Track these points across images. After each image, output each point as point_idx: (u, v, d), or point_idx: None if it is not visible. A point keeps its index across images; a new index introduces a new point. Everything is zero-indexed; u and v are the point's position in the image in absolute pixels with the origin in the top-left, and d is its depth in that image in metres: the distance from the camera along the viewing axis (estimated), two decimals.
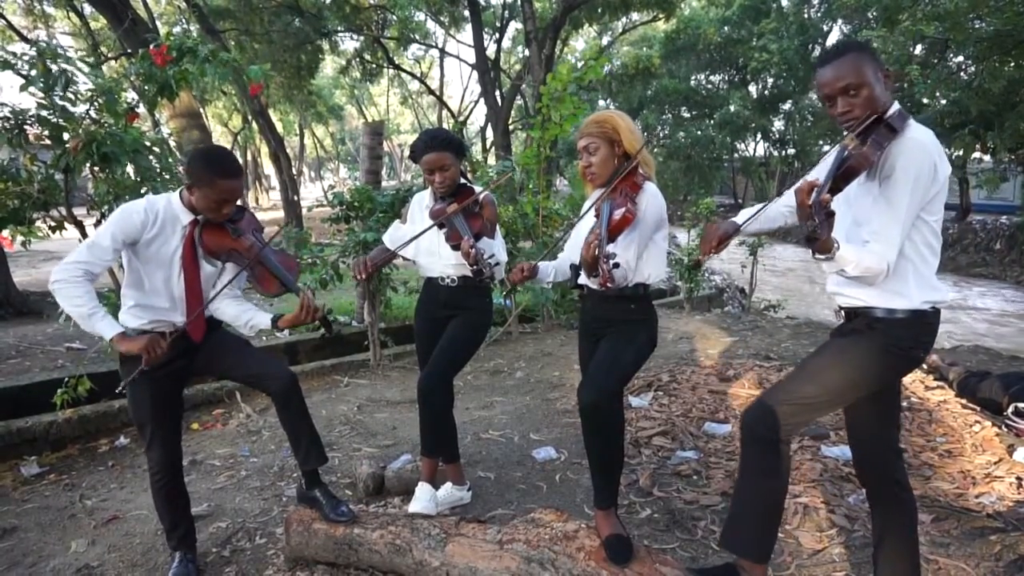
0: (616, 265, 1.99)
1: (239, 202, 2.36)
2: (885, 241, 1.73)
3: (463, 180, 2.78)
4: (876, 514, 2.02)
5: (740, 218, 2.13)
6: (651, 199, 2.23)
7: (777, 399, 1.92)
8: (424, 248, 2.75)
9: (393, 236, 2.93)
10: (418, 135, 2.75)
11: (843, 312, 1.97)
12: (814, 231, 1.58)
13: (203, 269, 2.35)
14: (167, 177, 4.07)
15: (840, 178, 1.70)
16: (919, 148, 1.71)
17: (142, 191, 3.80)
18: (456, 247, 2.55)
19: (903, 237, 1.74)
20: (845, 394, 1.91)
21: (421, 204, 2.89)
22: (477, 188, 2.75)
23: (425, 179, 2.75)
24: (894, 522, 1.96)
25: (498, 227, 2.87)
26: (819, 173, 1.85)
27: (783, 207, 2.20)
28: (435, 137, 2.65)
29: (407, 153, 2.81)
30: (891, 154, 1.73)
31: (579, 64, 24.68)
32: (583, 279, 2.35)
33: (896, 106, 1.76)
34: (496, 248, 2.69)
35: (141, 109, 4.12)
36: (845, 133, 1.78)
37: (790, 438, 1.93)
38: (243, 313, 2.43)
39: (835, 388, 1.88)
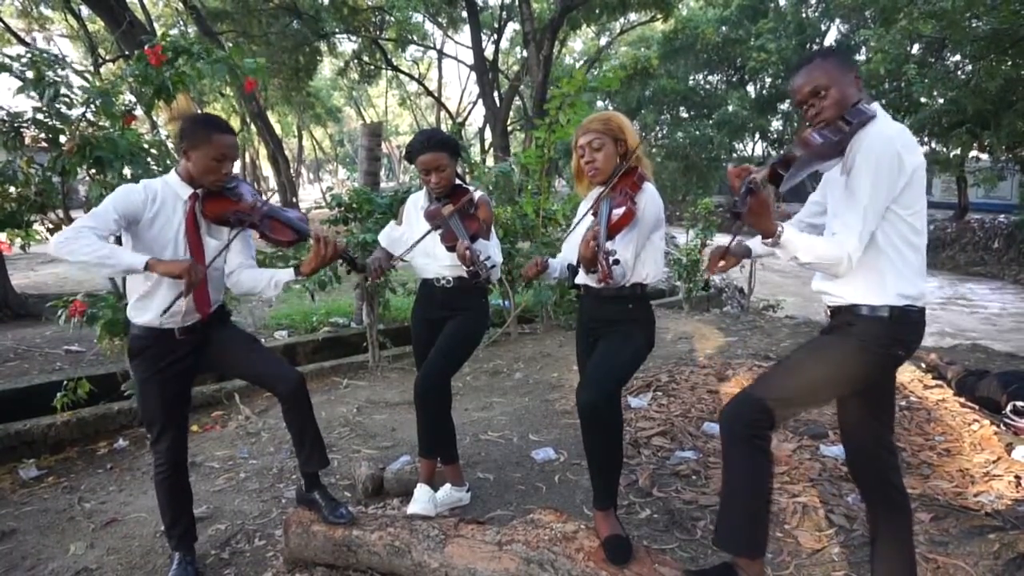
0: (616, 261, 2.00)
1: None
2: (845, 229, 1.75)
3: (458, 181, 2.78)
4: (870, 513, 2.03)
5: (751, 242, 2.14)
6: (650, 199, 2.24)
7: (756, 395, 1.93)
8: (420, 249, 2.74)
9: (389, 236, 2.92)
10: (414, 136, 2.74)
11: (829, 311, 1.98)
12: (734, 205, 1.64)
13: (207, 245, 2.33)
14: None
15: (779, 164, 1.71)
16: (880, 139, 1.73)
17: None
18: (452, 249, 2.54)
19: (866, 226, 1.74)
20: (824, 391, 1.92)
21: (416, 205, 2.87)
22: (473, 189, 2.75)
23: (421, 180, 2.75)
24: (887, 522, 1.97)
25: (493, 228, 2.86)
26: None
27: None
28: (431, 138, 2.64)
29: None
30: (854, 147, 1.76)
31: (578, 63, 24.72)
32: (581, 278, 2.35)
33: (864, 104, 1.78)
34: (492, 250, 2.69)
35: (138, 111, 4.12)
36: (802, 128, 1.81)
37: (770, 433, 1.93)
38: (262, 275, 2.42)
39: (812, 385, 1.90)
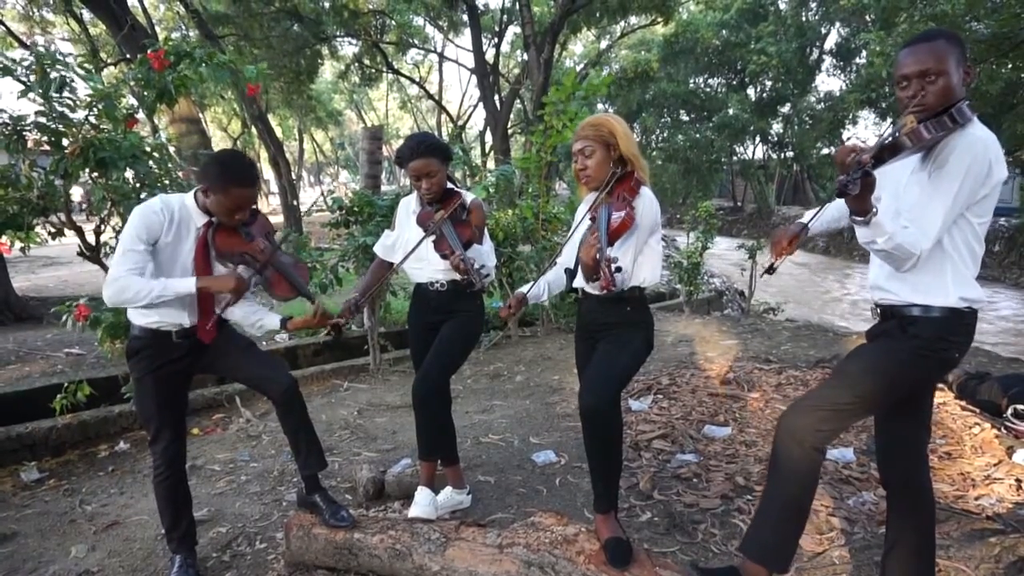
0: (619, 269, 2.00)
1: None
2: (924, 227, 1.72)
3: (450, 185, 2.78)
4: (892, 518, 2.01)
5: (805, 218, 2.08)
6: (647, 203, 2.25)
7: (811, 406, 1.92)
8: (412, 254, 2.73)
9: (384, 244, 2.92)
10: (404, 141, 2.74)
11: (879, 310, 1.96)
12: (845, 185, 1.57)
13: (215, 271, 2.35)
14: (166, 183, 4.07)
15: (886, 148, 1.67)
16: (979, 144, 1.70)
17: (141, 196, 3.81)
18: (445, 257, 2.55)
19: (942, 228, 1.72)
20: (880, 400, 1.89)
21: (408, 209, 2.86)
22: (465, 193, 2.74)
23: (412, 185, 2.75)
24: (910, 528, 1.95)
25: (487, 232, 2.86)
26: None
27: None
28: (421, 143, 2.63)
29: None
30: (949, 145, 1.71)
31: (579, 67, 24.74)
32: (579, 282, 2.36)
33: (965, 102, 1.74)
34: (485, 256, 2.69)
35: (140, 115, 4.12)
36: (904, 115, 1.74)
37: (823, 446, 1.92)
38: (252, 314, 2.44)
39: (869, 395, 1.87)
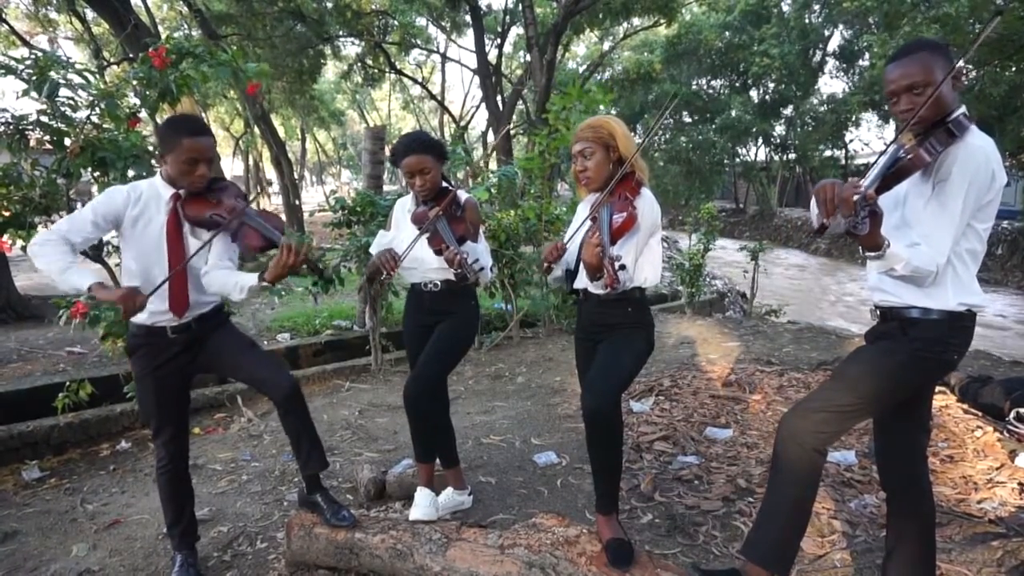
0: (623, 267, 2.00)
1: (220, 174, 2.35)
2: (936, 245, 1.72)
3: (444, 183, 2.77)
4: (892, 522, 2.00)
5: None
6: (648, 204, 2.26)
7: (812, 408, 1.92)
8: (408, 253, 2.71)
9: (379, 244, 2.90)
10: (398, 138, 2.73)
11: (879, 311, 1.96)
12: (855, 227, 1.58)
13: (189, 245, 2.31)
14: None
15: (891, 177, 1.69)
16: (979, 154, 1.69)
17: None
18: (439, 252, 2.54)
19: (954, 242, 1.73)
20: (880, 401, 1.90)
21: (404, 209, 2.86)
22: (460, 192, 2.74)
23: (407, 183, 2.74)
24: (910, 531, 1.95)
25: (481, 231, 2.85)
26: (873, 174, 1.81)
27: None
28: (416, 140, 2.64)
29: None
30: (949, 158, 1.71)
31: (582, 68, 24.71)
32: (580, 283, 2.35)
33: (961, 109, 1.74)
34: (480, 253, 2.68)
35: (143, 114, 4.13)
36: (901, 132, 1.75)
37: (825, 448, 1.92)
38: (230, 277, 2.35)
39: (870, 397, 1.87)
